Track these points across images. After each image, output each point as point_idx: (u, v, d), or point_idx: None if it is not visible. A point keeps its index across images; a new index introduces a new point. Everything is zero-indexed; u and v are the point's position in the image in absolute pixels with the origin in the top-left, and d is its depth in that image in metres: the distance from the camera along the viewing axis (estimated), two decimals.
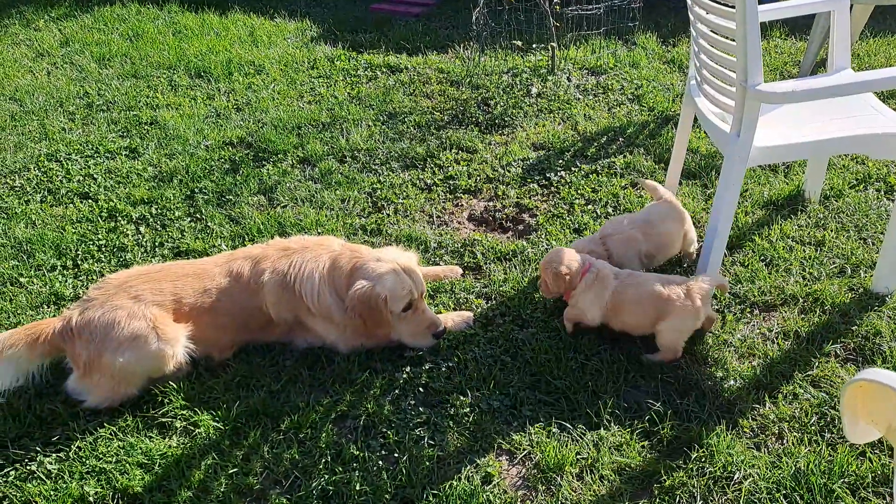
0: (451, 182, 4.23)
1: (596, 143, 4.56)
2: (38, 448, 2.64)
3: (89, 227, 3.90)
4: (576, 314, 3.02)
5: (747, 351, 2.95)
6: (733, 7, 2.68)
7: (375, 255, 3.00)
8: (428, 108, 5.08)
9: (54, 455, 2.62)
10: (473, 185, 4.20)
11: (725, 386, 2.78)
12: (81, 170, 4.47)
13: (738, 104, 2.87)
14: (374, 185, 4.22)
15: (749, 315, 3.14)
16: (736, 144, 2.93)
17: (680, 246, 3.38)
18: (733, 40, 2.78)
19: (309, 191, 4.18)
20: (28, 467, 2.57)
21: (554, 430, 2.63)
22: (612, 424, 2.64)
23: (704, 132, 4.55)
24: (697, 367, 2.86)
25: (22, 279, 3.51)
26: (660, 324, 2.86)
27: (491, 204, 4.04)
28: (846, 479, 2.38)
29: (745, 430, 2.61)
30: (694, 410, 2.68)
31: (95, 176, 4.40)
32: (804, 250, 3.46)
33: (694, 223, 3.72)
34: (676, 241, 3.35)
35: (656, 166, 4.26)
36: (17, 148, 4.79)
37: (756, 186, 4.01)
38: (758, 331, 3.06)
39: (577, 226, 3.75)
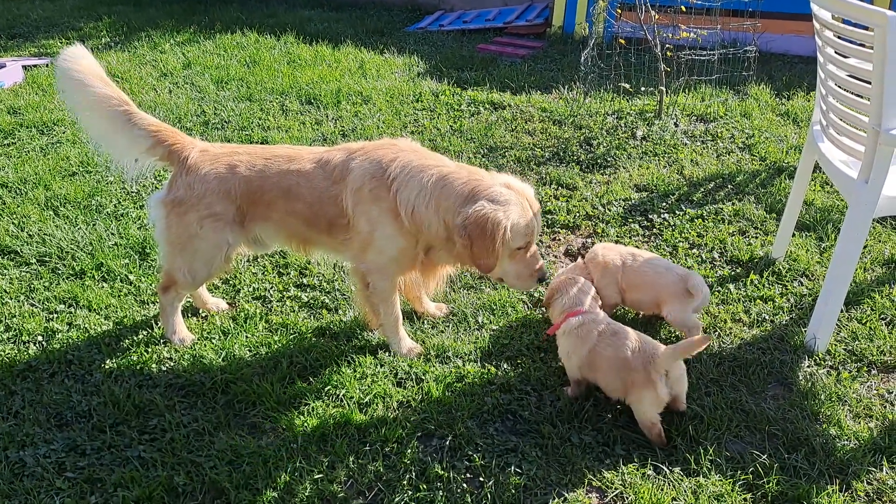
0: (549, 216, 4.18)
1: (703, 189, 4.43)
2: (134, 435, 2.71)
3: None
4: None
5: (864, 411, 2.75)
6: (871, 48, 2.57)
7: (503, 180, 2.81)
8: (529, 144, 5.09)
9: (149, 444, 2.68)
10: (572, 220, 4.14)
11: (839, 445, 2.59)
12: None
13: (868, 149, 2.73)
14: None
15: (866, 374, 2.93)
16: (863, 192, 2.78)
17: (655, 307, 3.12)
18: (868, 83, 2.67)
19: None
20: (124, 453, 2.63)
21: (649, 472, 2.51)
22: (713, 473, 2.49)
23: (821, 184, 4.37)
24: (808, 423, 2.68)
25: (131, 276, 3.66)
26: (628, 395, 2.63)
27: (589, 241, 3.96)
28: None
29: (860, 493, 2.41)
30: (803, 467, 2.50)
31: None
32: None
33: (807, 276, 3.54)
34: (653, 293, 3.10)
35: (767, 216, 4.09)
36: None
37: (877, 244, 3.79)
38: (875, 391, 2.85)
39: None
